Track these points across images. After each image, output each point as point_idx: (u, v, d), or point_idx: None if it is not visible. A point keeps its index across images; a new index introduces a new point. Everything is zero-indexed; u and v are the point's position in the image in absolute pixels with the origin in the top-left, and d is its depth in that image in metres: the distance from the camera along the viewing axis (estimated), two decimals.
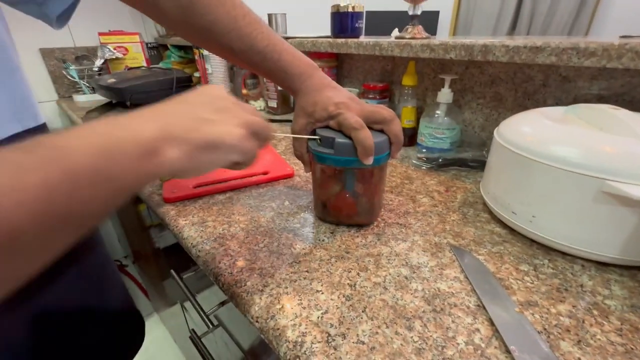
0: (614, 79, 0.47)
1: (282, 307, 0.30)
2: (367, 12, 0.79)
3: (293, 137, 0.41)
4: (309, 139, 0.40)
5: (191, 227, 0.43)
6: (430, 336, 0.27)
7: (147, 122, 0.23)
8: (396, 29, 0.89)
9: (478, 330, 0.28)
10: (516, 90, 0.57)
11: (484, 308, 0.30)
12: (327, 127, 0.39)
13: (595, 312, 0.29)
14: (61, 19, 0.40)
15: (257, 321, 0.30)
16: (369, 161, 0.35)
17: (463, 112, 0.66)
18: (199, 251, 0.38)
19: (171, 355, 1.18)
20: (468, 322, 0.28)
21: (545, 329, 0.28)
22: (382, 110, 0.37)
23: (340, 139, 0.36)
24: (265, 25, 0.41)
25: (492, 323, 0.28)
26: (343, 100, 0.38)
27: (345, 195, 0.40)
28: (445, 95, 0.60)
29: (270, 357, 0.45)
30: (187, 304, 0.69)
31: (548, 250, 0.37)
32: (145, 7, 0.39)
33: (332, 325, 0.28)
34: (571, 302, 0.30)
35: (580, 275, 0.34)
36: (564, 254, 0.37)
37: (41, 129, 0.36)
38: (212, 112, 0.26)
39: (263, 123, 0.30)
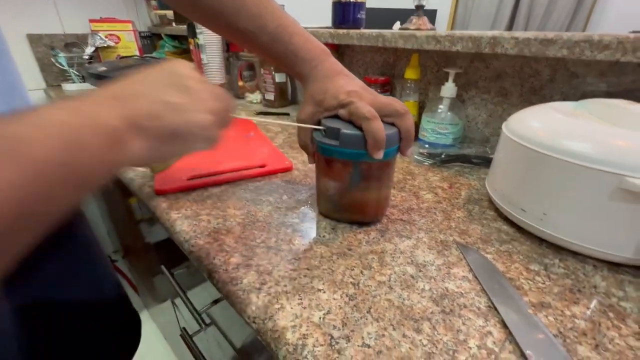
0: (625, 75, 0.46)
1: (281, 306, 0.28)
2: (367, 8, 0.78)
3: (298, 127, 0.39)
4: (313, 128, 0.37)
5: (184, 220, 0.40)
6: (440, 339, 0.25)
7: (108, 107, 0.20)
8: (398, 22, 0.87)
9: (490, 333, 0.26)
10: (522, 85, 0.56)
11: (495, 309, 0.28)
12: (336, 117, 0.37)
13: (611, 315, 0.28)
14: None
15: (254, 322, 0.28)
16: (379, 155, 0.33)
17: (466, 107, 0.64)
18: (192, 246, 0.36)
19: (162, 353, 1.16)
20: (479, 324, 0.27)
21: (560, 332, 0.26)
22: (395, 102, 0.35)
23: (346, 130, 0.34)
24: (276, 4, 0.38)
25: (504, 325, 0.26)
26: (355, 89, 0.36)
27: (350, 190, 0.37)
28: (448, 89, 0.59)
29: (262, 356, 0.43)
30: (179, 301, 0.66)
31: (558, 249, 0.36)
32: None
33: (335, 327, 0.26)
34: (585, 303, 0.29)
35: (592, 275, 0.32)
36: (574, 253, 0.35)
37: None
38: (177, 94, 0.24)
39: (228, 106, 0.28)
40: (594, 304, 0.29)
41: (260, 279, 0.31)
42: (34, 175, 0.15)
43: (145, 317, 1.36)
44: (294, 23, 0.39)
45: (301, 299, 0.29)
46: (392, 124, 0.35)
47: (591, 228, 0.32)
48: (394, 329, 0.26)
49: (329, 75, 0.38)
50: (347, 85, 0.36)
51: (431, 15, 2.83)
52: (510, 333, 0.26)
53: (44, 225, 0.17)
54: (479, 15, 2.87)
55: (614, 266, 0.33)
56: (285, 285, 0.30)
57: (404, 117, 0.35)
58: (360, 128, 0.34)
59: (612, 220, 0.31)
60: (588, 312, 0.28)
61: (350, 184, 0.37)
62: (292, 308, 0.28)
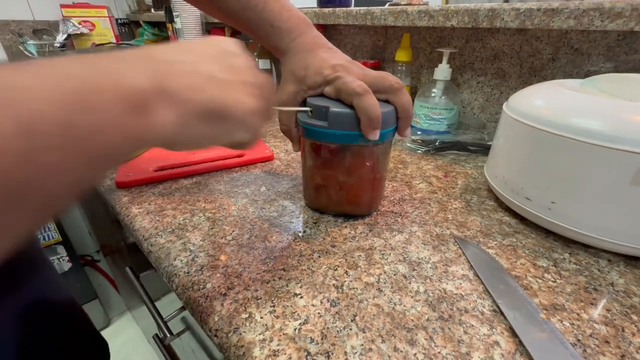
0: (634, 52, 0.42)
1: (250, 316, 0.24)
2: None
3: (279, 109, 0.34)
4: (298, 110, 0.33)
5: (145, 216, 0.35)
6: (439, 352, 0.21)
7: (136, 68, 0.17)
8: (388, 3, 0.82)
9: (497, 343, 0.22)
10: (521, 65, 0.52)
11: (502, 314, 0.24)
12: (322, 95, 0.32)
13: (634, 318, 0.24)
14: None
15: (216, 335, 0.23)
16: (375, 136, 0.29)
17: (462, 91, 0.60)
18: (151, 245, 0.31)
19: (146, 358, 1.11)
20: (484, 332, 0.23)
21: (579, 340, 0.22)
22: (389, 76, 0.30)
23: (335, 108, 0.29)
24: None
25: (513, 333, 0.22)
26: (341, 62, 0.31)
27: (342, 179, 0.33)
28: (443, 71, 0.54)
29: None
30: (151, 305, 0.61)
31: (567, 242, 0.32)
32: None
33: (312, 340, 0.22)
34: (604, 304, 0.25)
35: (608, 271, 0.28)
36: (586, 246, 0.31)
37: None
38: (222, 69, 0.20)
39: (271, 97, 0.24)
40: (613, 304, 0.25)
41: (227, 283, 0.26)
42: (20, 134, 0.12)
43: (129, 319, 1.30)
44: None
45: (274, 306, 0.24)
46: (386, 102, 0.31)
47: (607, 217, 0.28)
48: (383, 341, 0.22)
49: (311, 49, 0.33)
50: (331, 59, 0.31)
51: None
52: (520, 342, 0.22)
53: (38, 210, 0.13)
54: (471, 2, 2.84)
55: (632, 260, 0.30)
56: (256, 290, 0.26)
57: (400, 93, 0.30)
58: (350, 106, 0.29)
59: (633, 208, 0.27)
60: (608, 315, 0.24)
61: (342, 172, 0.32)
62: (262, 317, 0.23)
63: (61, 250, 1.07)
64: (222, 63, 0.21)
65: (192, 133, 0.19)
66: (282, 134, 0.36)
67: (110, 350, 0.46)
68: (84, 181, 0.15)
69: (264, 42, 0.35)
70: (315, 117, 0.30)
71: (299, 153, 0.35)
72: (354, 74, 0.30)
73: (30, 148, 0.12)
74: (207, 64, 0.20)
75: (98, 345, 0.44)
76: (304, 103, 0.32)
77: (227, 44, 0.22)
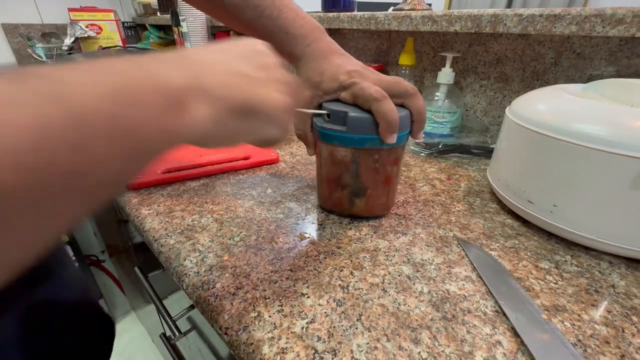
0: (636, 56, 0.42)
1: (258, 315, 0.24)
2: (358, 2, 0.75)
3: (295, 113, 0.35)
4: (314, 113, 0.33)
5: (155, 217, 0.36)
6: (442, 352, 0.22)
7: (173, 67, 0.18)
8: (391, 8, 0.83)
9: (500, 343, 0.22)
10: (524, 69, 0.52)
11: (504, 314, 0.24)
12: (337, 100, 0.33)
13: (634, 319, 0.24)
14: None
15: (226, 333, 0.24)
16: (392, 139, 0.29)
17: (465, 95, 0.61)
18: (162, 246, 0.32)
19: (150, 358, 1.12)
20: (486, 332, 0.23)
21: (579, 341, 0.23)
22: (403, 81, 0.31)
23: (353, 113, 0.30)
24: None
25: (515, 333, 0.23)
26: (356, 68, 0.32)
27: (357, 181, 0.34)
28: (446, 75, 0.55)
29: None
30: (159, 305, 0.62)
31: (569, 244, 0.33)
32: None
33: (319, 339, 0.22)
34: (605, 306, 0.26)
35: (609, 273, 0.29)
36: (587, 248, 0.32)
37: None
38: (253, 68, 0.21)
39: (297, 95, 0.25)
40: (614, 306, 0.26)
41: (236, 283, 0.27)
42: (70, 124, 0.12)
43: (133, 319, 1.31)
44: None
45: (282, 306, 0.25)
46: (402, 106, 0.32)
47: (608, 220, 0.29)
48: (388, 340, 0.22)
49: (325, 55, 0.34)
50: (346, 65, 0.32)
51: None
52: (522, 342, 0.22)
53: (85, 198, 0.14)
54: (474, 8, 2.85)
55: (633, 263, 0.30)
56: (264, 290, 0.26)
57: (415, 97, 0.31)
58: (367, 111, 0.30)
59: (633, 211, 0.27)
60: (608, 316, 0.25)
61: (358, 175, 0.33)
62: (270, 316, 0.24)
63: (68, 250, 1.08)
64: (254, 62, 0.22)
65: (226, 129, 0.20)
66: (295, 137, 0.37)
67: (115, 350, 0.46)
68: (126, 173, 0.16)
69: (278, 48, 0.36)
70: (333, 121, 0.31)
71: (305, 156, 0.36)
72: (370, 80, 0.31)
73: (80, 137, 0.12)
74: (239, 63, 0.21)
75: (102, 323, 0.44)
76: (319, 108, 0.33)
77: (257, 45, 0.23)
